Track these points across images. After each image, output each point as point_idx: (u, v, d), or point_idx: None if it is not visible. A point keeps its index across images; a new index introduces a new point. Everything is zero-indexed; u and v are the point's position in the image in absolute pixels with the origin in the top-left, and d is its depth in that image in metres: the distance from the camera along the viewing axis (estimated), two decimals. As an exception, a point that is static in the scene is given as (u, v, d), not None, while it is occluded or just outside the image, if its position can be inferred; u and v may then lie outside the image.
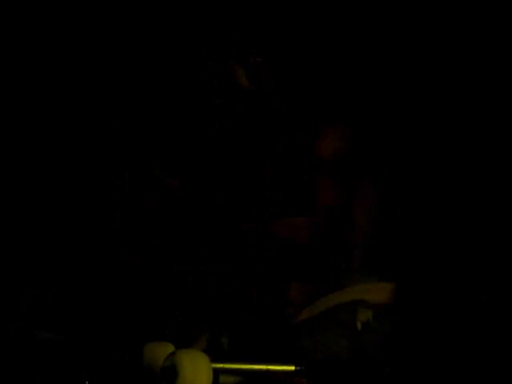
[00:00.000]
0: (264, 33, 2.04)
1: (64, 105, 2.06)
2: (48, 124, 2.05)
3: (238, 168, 2.05)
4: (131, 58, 2.05)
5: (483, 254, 1.94)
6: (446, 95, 2.03)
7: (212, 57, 2.05)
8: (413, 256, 1.97)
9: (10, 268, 1.98)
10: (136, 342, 1.67)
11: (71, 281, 2.00)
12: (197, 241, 2.04)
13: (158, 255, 2.03)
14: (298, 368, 1.67)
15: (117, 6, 2.03)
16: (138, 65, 2.06)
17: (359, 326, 1.89)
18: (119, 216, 2.02)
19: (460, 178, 1.98)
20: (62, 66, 2.04)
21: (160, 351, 1.62)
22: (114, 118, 2.05)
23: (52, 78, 2.04)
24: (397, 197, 2.00)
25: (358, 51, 2.03)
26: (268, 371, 1.65)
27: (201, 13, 2.04)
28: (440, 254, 1.97)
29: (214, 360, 1.58)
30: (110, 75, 2.05)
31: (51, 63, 2.04)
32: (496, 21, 2.00)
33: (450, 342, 1.89)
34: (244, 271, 2.01)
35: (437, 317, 1.92)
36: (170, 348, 1.61)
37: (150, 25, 2.04)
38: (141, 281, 2.01)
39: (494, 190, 1.96)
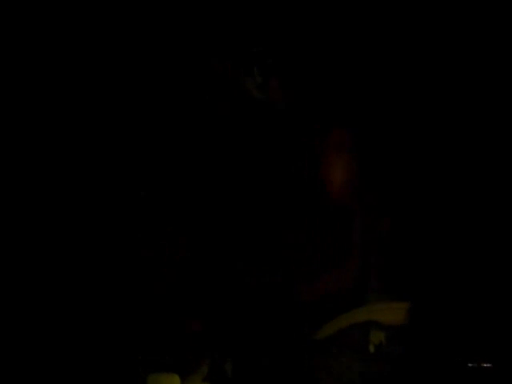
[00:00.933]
0: (275, 41, 1.96)
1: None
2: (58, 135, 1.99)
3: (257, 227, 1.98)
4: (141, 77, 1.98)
5: (499, 275, 1.89)
6: (447, 95, 1.97)
7: (221, 68, 1.96)
8: (426, 276, 1.91)
9: (12, 271, 1.90)
10: (138, 370, 1.58)
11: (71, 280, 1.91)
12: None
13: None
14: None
15: (123, 14, 1.97)
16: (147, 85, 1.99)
17: (372, 348, 1.82)
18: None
19: (477, 194, 1.92)
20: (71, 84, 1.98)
21: (166, 382, 1.52)
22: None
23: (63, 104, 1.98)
24: (410, 217, 1.93)
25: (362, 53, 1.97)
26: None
27: (210, 19, 1.96)
28: (454, 273, 1.91)
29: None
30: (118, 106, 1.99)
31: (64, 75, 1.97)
32: (496, 21, 1.96)
33: (466, 364, 1.82)
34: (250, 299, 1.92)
35: (452, 338, 1.86)
36: (176, 380, 1.52)
37: (158, 34, 1.97)
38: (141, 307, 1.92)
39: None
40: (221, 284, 1.91)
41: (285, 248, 1.93)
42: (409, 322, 1.86)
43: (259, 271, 1.91)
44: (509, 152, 1.95)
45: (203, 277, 1.92)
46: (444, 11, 1.97)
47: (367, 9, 2.00)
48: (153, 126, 1.99)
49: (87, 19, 1.99)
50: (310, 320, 1.88)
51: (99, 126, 1.99)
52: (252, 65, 1.95)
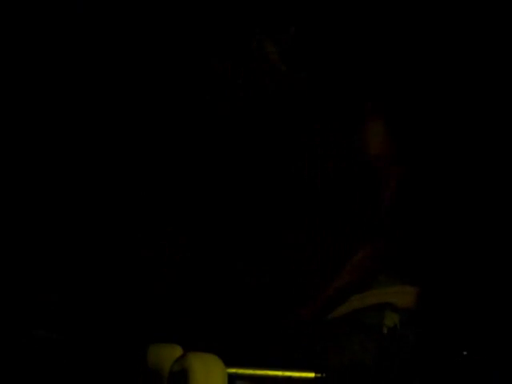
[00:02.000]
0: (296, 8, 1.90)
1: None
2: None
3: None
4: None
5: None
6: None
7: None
8: (438, 260, 1.86)
9: (11, 268, 1.87)
10: (140, 342, 1.53)
11: (72, 280, 1.89)
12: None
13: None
14: (319, 375, 1.53)
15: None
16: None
17: (385, 330, 1.76)
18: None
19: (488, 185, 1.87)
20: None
21: (167, 354, 1.47)
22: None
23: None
24: (422, 202, 1.88)
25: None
26: (286, 378, 1.50)
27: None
28: (466, 257, 1.86)
29: (228, 364, 1.42)
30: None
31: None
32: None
33: (479, 349, 1.77)
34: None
35: (464, 323, 1.81)
36: (178, 350, 1.46)
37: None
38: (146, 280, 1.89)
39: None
40: (221, 284, 1.88)
41: (285, 248, 1.89)
42: (422, 305, 1.81)
43: (259, 271, 1.87)
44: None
45: (203, 277, 1.89)
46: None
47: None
48: (153, 126, 1.96)
49: (87, 19, 1.96)
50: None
51: (100, 126, 1.96)
52: (275, 34, 1.90)
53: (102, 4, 1.93)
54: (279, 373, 1.51)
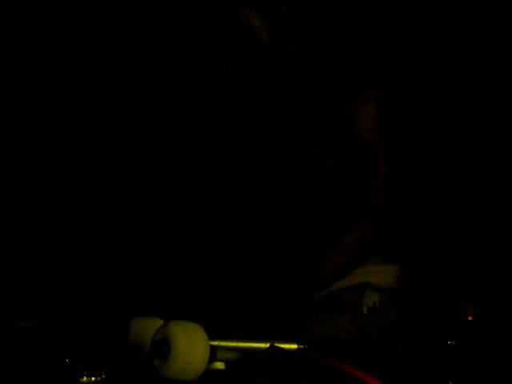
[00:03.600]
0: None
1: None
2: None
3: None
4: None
5: (496, 235, 1.84)
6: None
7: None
8: (420, 237, 1.86)
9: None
10: (121, 317, 1.53)
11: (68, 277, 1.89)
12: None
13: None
14: (301, 346, 1.53)
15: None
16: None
17: (365, 310, 1.77)
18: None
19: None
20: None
21: (149, 325, 1.47)
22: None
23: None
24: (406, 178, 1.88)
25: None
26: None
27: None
28: (450, 236, 1.86)
29: (210, 335, 1.43)
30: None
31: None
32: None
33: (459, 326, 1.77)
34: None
35: (444, 301, 1.81)
36: (160, 322, 1.46)
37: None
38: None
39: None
40: (221, 284, 1.88)
41: (285, 248, 1.89)
42: (403, 285, 1.82)
43: (259, 271, 1.88)
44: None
45: (203, 277, 1.89)
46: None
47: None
48: (152, 126, 1.96)
49: (87, 18, 1.97)
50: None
51: (99, 126, 1.95)
52: (267, 10, 1.89)
53: (101, 3, 1.94)
54: (262, 344, 1.51)
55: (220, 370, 1.48)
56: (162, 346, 1.37)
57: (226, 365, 1.49)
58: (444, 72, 1.89)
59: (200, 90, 1.92)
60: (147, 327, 1.47)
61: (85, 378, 1.46)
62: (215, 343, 1.47)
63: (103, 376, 1.47)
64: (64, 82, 1.95)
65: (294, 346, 1.53)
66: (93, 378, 1.47)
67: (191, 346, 1.38)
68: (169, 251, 1.88)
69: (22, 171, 1.94)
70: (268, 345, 1.51)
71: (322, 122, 1.87)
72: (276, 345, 1.51)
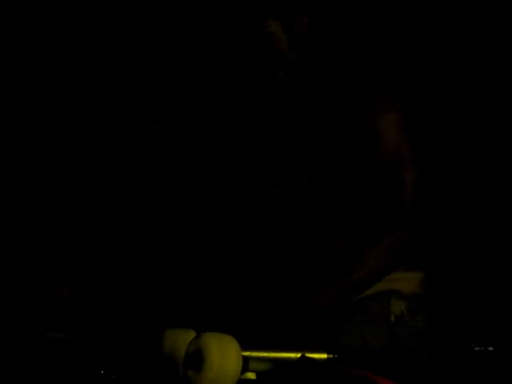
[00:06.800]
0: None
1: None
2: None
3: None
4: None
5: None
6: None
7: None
8: (443, 244, 1.86)
9: (14, 261, 1.87)
10: (154, 329, 1.54)
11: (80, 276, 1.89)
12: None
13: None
14: (331, 356, 1.55)
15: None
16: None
17: (393, 318, 1.78)
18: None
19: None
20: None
21: (182, 337, 1.48)
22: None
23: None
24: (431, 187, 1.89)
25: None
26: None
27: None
28: (473, 242, 1.87)
29: (242, 346, 1.44)
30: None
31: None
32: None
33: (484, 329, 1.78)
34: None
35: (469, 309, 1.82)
36: (193, 333, 1.48)
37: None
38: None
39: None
40: (221, 284, 1.89)
41: (292, 250, 1.90)
42: (427, 291, 1.83)
43: (261, 271, 1.89)
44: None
45: (203, 276, 1.90)
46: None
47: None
48: (152, 126, 1.97)
49: (86, 18, 1.98)
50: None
51: (99, 125, 1.96)
52: (287, 22, 1.90)
53: (101, 2, 1.95)
54: (292, 354, 1.52)
55: (252, 380, 1.50)
56: (196, 358, 1.39)
57: (258, 375, 1.51)
58: (467, 82, 1.90)
59: (203, 92, 1.94)
60: (180, 339, 1.48)
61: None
62: (247, 354, 1.48)
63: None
64: (64, 82, 1.96)
65: (324, 356, 1.55)
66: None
67: (224, 357, 1.39)
68: (169, 251, 1.90)
69: (24, 171, 1.95)
70: (299, 355, 1.52)
71: (347, 134, 1.88)
72: (307, 355, 1.52)
